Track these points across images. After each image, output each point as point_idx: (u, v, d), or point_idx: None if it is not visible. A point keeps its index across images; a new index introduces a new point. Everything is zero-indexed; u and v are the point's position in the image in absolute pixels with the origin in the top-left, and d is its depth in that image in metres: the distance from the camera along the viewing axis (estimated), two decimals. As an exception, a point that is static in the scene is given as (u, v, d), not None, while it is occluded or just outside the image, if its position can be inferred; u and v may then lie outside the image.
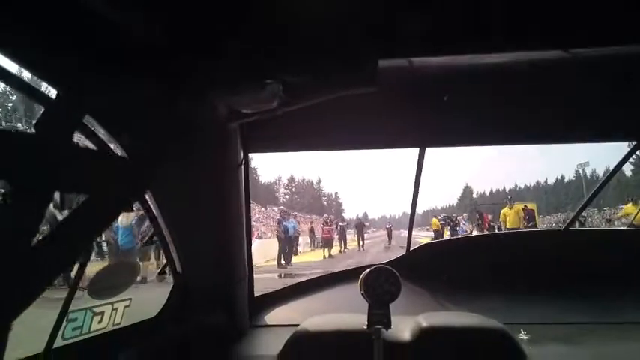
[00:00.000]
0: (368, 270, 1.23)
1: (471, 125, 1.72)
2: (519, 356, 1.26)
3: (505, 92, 1.50)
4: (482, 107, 1.61)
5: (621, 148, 2.01)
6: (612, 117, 1.66)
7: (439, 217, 18.46)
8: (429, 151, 1.91)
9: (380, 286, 1.21)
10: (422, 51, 1.22)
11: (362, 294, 1.22)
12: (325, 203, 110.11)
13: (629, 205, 12.91)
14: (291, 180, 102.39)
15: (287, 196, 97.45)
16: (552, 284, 1.86)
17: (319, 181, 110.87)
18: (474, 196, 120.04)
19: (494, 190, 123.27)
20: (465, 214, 19.49)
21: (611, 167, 2.32)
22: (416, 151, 1.92)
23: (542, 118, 1.66)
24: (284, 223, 13.80)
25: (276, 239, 13.67)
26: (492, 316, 1.35)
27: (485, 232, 13.93)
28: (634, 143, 1.86)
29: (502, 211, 13.06)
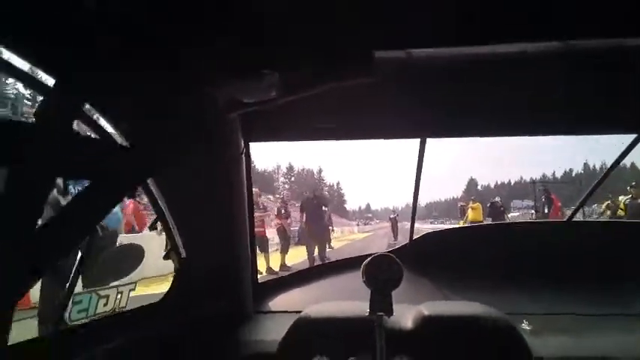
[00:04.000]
0: (370, 258, 1.25)
1: (472, 116, 1.71)
2: (521, 346, 1.27)
3: (506, 83, 1.48)
4: (482, 98, 1.59)
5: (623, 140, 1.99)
6: (614, 109, 1.64)
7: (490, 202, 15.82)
8: (432, 142, 1.91)
9: (382, 273, 1.23)
10: (420, 42, 1.21)
11: (364, 281, 1.24)
12: (326, 193, 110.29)
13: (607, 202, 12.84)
14: (291, 169, 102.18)
15: (286, 186, 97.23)
16: (555, 275, 1.85)
17: (320, 171, 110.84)
18: (479, 188, 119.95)
19: (499, 183, 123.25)
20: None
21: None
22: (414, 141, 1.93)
23: (544, 109, 1.64)
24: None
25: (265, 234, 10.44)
26: (495, 305, 1.36)
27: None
28: (635, 136, 1.85)
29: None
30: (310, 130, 1.83)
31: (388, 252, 1.41)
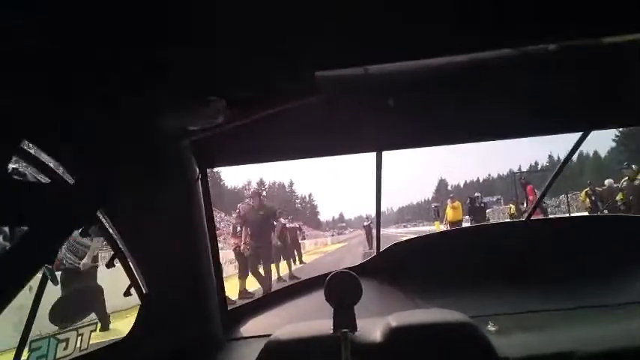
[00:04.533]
0: (330, 276, 1.26)
1: (426, 126, 1.75)
2: (486, 348, 1.29)
3: (457, 91, 1.51)
4: (435, 108, 1.62)
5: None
6: (563, 108, 1.70)
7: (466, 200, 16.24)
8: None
9: (341, 290, 1.24)
10: (365, 59, 1.23)
11: (326, 299, 1.25)
12: (299, 206, 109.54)
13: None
14: (261, 183, 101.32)
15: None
16: (518, 274, 1.89)
17: (291, 184, 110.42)
18: (449, 188, 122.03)
19: (468, 182, 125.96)
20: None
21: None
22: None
23: (496, 113, 1.70)
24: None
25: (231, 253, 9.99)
26: (462, 310, 1.38)
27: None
28: (582, 133, 1.93)
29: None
30: (266, 151, 1.82)
31: (357, 266, 1.43)
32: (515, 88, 1.54)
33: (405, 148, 1.91)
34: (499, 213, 39.54)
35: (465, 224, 14.80)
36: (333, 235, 58.41)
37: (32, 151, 1.06)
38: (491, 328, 1.51)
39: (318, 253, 25.81)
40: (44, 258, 1.06)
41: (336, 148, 1.85)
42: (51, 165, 1.12)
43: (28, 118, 0.98)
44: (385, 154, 1.90)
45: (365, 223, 24.77)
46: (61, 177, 1.13)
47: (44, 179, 1.09)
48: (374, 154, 1.91)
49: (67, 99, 1.04)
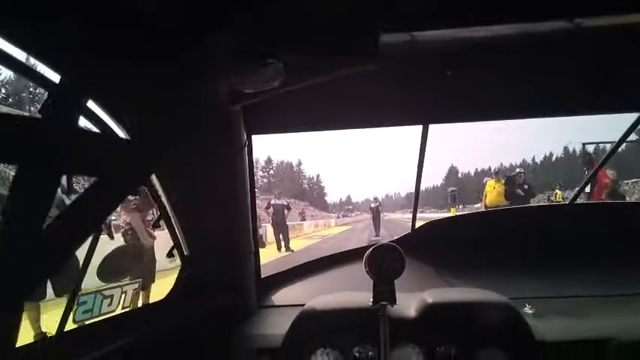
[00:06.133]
0: (372, 248, 1.26)
1: (475, 100, 1.72)
2: (524, 330, 1.29)
3: (508, 65, 1.49)
4: (485, 81, 1.60)
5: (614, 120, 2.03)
6: (616, 88, 1.66)
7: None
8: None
9: (384, 263, 1.24)
10: (423, 24, 1.20)
11: (366, 272, 1.24)
12: (306, 186, 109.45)
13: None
14: (269, 161, 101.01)
15: (264, 180, 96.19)
16: (557, 258, 1.87)
17: (299, 163, 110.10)
18: (460, 176, 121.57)
19: (479, 170, 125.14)
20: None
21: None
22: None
23: (546, 90, 1.66)
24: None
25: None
26: (498, 291, 1.38)
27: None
28: (638, 115, 1.87)
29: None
30: (312, 120, 1.81)
31: (391, 241, 1.42)
32: (571, 64, 1.49)
33: (452, 122, 1.88)
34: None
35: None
36: (338, 217, 57.76)
37: (94, 109, 1.07)
38: (528, 310, 1.50)
39: (316, 237, 22.52)
40: (102, 213, 1.06)
41: (383, 120, 1.84)
42: (110, 124, 1.12)
43: (91, 77, 0.99)
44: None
45: (372, 205, 20.51)
46: (118, 136, 1.13)
47: (104, 136, 1.09)
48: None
49: (127, 60, 1.04)
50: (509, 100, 1.73)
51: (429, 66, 1.46)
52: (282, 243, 13.58)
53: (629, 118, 1.91)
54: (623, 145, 2.21)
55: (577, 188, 2.44)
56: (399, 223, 30.17)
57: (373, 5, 1.11)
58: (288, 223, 14.56)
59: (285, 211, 14.10)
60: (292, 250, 13.29)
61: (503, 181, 10.17)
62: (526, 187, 9.67)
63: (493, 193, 10.15)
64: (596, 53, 1.43)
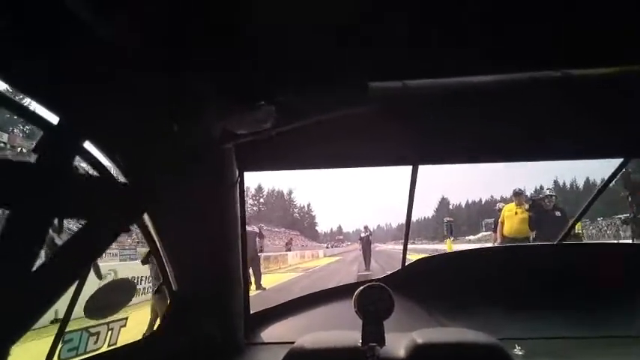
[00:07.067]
0: (361, 288, 1.26)
1: (463, 143, 1.77)
2: None
3: (495, 111, 1.54)
4: (472, 126, 1.65)
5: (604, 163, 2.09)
6: (599, 134, 1.73)
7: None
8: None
9: (373, 303, 1.23)
10: (413, 73, 1.25)
11: (356, 312, 1.24)
12: (297, 215, 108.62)
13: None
14: (259, 190, 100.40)
15: (254, 208, 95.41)
16: (547, 299, 1.88)
17: (290, 192, 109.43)
18: (450, 207, 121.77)
19: (470, 202, 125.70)
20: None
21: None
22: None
23: (532, 136, 1.71)
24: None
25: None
26: (487, 331, 1.37)
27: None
28: (621, 160, 1.94)
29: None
30: (304, 159, 1.84)
31: (380, 279, 1.42)
32: (559, 110, 1.55)
33: (441, 163, 1.93)
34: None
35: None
36: (327, 247, 55.86)
37: (90, 150, 1.08)
38: (518, 352, 1.50)
39: (300, 270, 19.58)
40: (94, 253, 1.07)
41: (373, 159, 1.87)
42: (103, 162, 1.13)
43: (85, 117, 1.00)
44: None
45: (362, 234, 18.22)
46: (112, 175, 1.15)
47: (98, 177, 1.11)
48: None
49: (122, 100, 1.06)
50: (495, 143, 1.78)
51: (417, 111, 1.51)
52: (252, 279, 10.22)
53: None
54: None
55: (566, 228, 2.47)
56: (390, 254, 29.74)
57: (363, 54, 1.16)
58: (269, 253, 13.07)
59: (257, 240, 11.82)
60: (264, 288, 10.69)
61: (526, 206, 7.90)
62: (558, 213, 7.56)
63: (513, 220, 7.83)
64: (580, 100, 1.49)
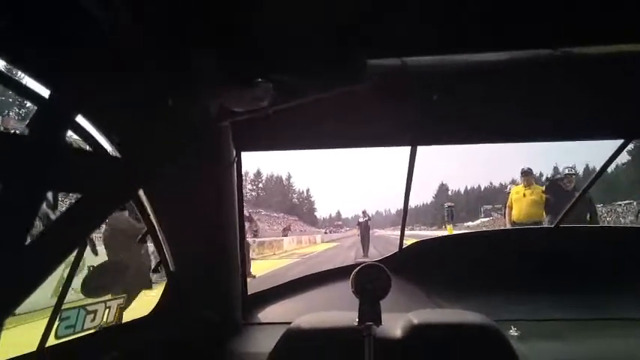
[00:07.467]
0: (358, 267, 1.26)
1: (462, 123, 1.75)
2: (509, 352, 1.29)
3: (495, 90, 1.53)
4: (472, 105, 1.63)
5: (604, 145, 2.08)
6: (600, 115, 1.71)
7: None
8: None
9: (370, 283, 1.24)
10: (412, 50, 1.24)
11: (353, 291, 1.24)
12: (296, 201, 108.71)
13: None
14: (258, 175, 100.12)
15: (253, 193, 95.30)
16: (543, 281, 1.89)
17: (289, 177, 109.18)
18: (449, 193, 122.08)
19: (469, 188, 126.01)
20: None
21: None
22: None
23: (532, 116, 1.70)
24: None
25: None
26: (484, 312, 1.38)
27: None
28: (622, 141, 1.92)
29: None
30: (302, 138, 1.83)
31: (378, 261, 1.42)
32: (559, 89, 1.54)
33: (440, 144, 1.92)
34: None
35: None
36: (325, 233, 55.03)
37: (85, 126, 1.08)
38: (513, 333, 1.51)
39: (296, 256, 19.48)
40: (88, 229, 1.06)
41: (371, 139, 1.86)
42: (98, 139, 1.13)
43: (80, 92, 0.99)
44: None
45: (360, 219, 17.92)
46: (106, 151, 1.14)
47: (93, 154, 1.10)
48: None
49: (117, 76, 1.05)
50: (495, 123, 1.77)
51: (416, 89, 1.49)
52: None
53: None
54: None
55: (564, 211, 2.46)
56: (389, 240, 29.75)
57: (361, 30, 1.14)
58: (264, 239, 12.93)
59: (247, 224, 11.02)
60: (253, 276, 10.37)
61: (542, 188, 7.15)
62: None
63: (522, 203, 7.07)
64: (581, 80, 1.47)
